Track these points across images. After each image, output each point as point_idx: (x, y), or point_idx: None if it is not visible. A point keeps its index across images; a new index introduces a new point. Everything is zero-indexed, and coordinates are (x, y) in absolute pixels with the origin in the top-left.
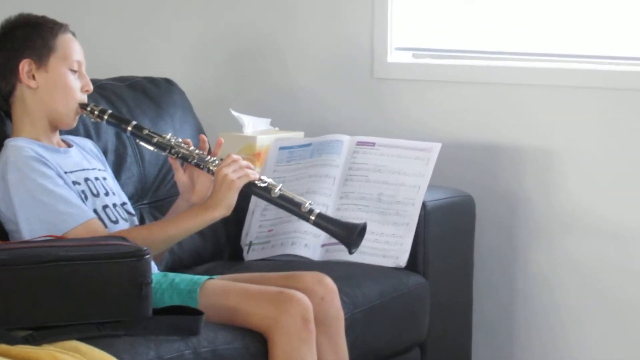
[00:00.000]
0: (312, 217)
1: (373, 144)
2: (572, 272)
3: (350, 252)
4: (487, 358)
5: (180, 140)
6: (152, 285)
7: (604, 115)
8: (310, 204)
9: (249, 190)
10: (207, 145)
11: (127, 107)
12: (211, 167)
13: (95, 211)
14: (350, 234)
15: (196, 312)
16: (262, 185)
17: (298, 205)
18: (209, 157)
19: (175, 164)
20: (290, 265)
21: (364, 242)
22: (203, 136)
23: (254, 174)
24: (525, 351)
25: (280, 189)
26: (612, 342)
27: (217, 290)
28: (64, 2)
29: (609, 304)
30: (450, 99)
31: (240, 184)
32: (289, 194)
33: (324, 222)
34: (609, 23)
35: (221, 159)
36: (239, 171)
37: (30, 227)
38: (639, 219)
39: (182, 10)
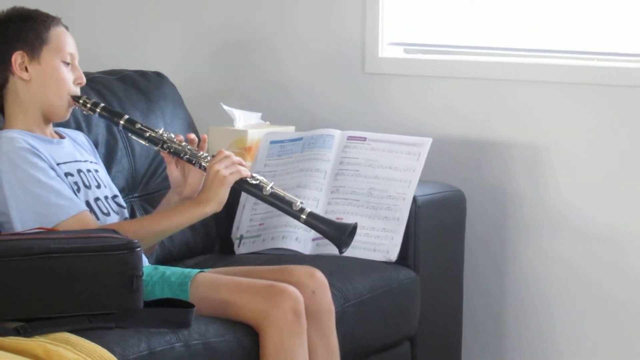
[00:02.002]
0: (303, 216)
1: (364, 139)
2: (560, 268)
3: (341, 252)
4: (477, 352)
5: (172, 134)
6: (143, 277)
7: (594, 112)
8: (301, 202)
9: (241, 187)
10: (196, 142)
11: (118, 100)
12: (203, 163)
13: (87, 203)
14: (340, 234)
15: (187, 305)
16: (254, 182)
17: (289, 203)
18: (201, 152)
19: (168, 158)
20: (281, 259)
21: (355, 237)
22: (191, 136)
23: (245, 171)
24: (515, 345)
25: (271, 187)
26: (597, 337)
27: (208, 284)
28: None
29: (595, 300)
30: (442, 94)
31: (232, 181)
32: (281, 192)
33: (314, 221)
34: (598, 19)
35: (212, 155)
36: (231, 167)
37: (22, 219)
38: (627, 217)
39: (173, 4)
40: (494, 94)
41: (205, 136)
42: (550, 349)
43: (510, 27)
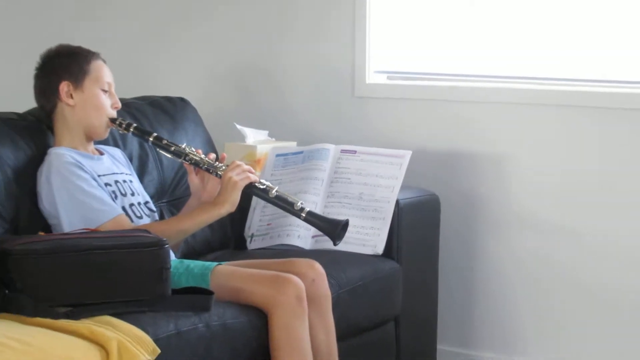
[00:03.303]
0: (303, 215)
1: (355, 152)
2: (520, 259)
3: (335, 244)
4: (450, 330)
5: (193, 149)
6: (171, 269)
7: (547, 128)
8: (301, 203)
9: (250, 190)
10: (214, 156)
11: (149, 121)
12: (219, 172)
13: (123, 208)
14: (334, 229)
15: (208, 292)
16: (261, 187)
17: (291, 204)
18: (217, 163)
19: (190, 169)
20: (286, 253)
21: (347, 234)
22: (211, 155)
23: (254, 177)
24: (482, 323)
25: (276, 191)
26: (553, 319)
27: (225, 274)
28: (98, 33)
29: (550, 288)
30: (419, 114)
31: (242, 185)
32: (284, 194)
33: (312, 219)
34: (547, 48)
35: (227, 165)
36: (242, 174)
37: (70, 221)
38: (575, 216)
39: (195, 41)
40: (464, 113)
41: (225, 154)
42: (512, 327)
43: (474, 57)
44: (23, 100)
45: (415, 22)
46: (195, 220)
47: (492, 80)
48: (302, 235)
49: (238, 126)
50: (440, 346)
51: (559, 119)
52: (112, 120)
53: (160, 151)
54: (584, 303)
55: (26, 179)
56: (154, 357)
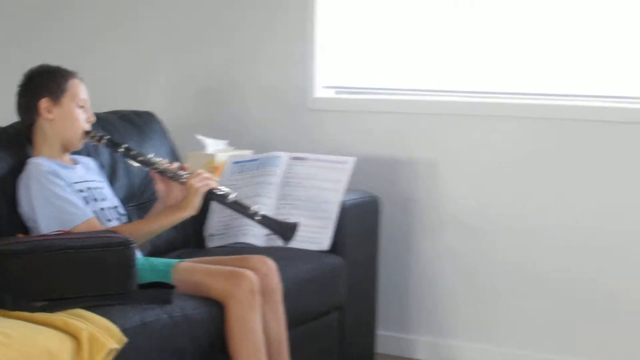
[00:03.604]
0: (257, 217)
1: (304, 159)
2: (449, 253)
3: (286, 243)
4: (389, 317)
5: (159, 158)
6: (137, 267)
7: (475, 136)
8: (256, 207)
9: (210, 196)
10: (178, 165)
11: (119, 133)
12: (182, 180)
13: (94, 212)
14: (285, 231)
15: (170, 287)
16: (220, 192)
17: (247, 208)
18: (180, 171)
19: (156, 177)
20: (241, 251)
21: (297, 233)
22: (175, 163)
23: (214, 184)
24: (418, 311)
25: (233, 196)
26: (478, 305)
27: (186, 270)
28: (74, 53)
29: (475, 279)
30: (362, 124)
31: (203, 191)
32: (240, 199)
33: (265, 221)
34: (476, 63)
35: (190, 173)
36: (203, 181)
37: (46, 224)
38: (501, 216)
39: (161, 61)
40: (402, 124)
41: (187, 165)
42: (445, 313)
43: (412, 73)
44: (5, 115)
45: (359, 43)
46: (161, 222)
47: (427, 94)
48: (256, 234)
49: (199, 137)
50: (380, 332)
51: (487, 128)
52: (87, 133)
53: (129, 161)
54: (508, 288)
55: (7, 186)
56: (121, 346)
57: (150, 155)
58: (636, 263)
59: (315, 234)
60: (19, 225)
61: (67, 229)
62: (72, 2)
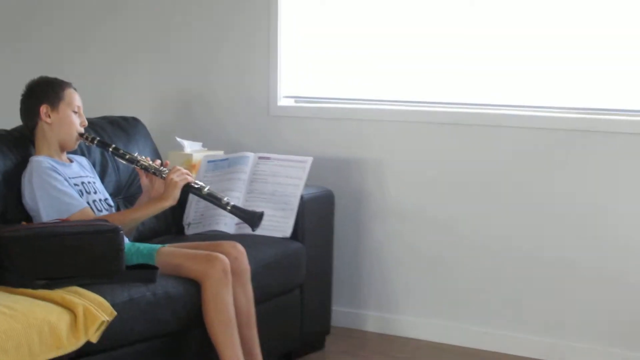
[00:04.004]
0: (228, 207)
1: (269, 158)
2: (395, 238)
3: (253, 230)
4: (342, 294)
5: (143, 157)
6: (125, 250)
7: (416, 140)
8: (227, 199)
9: (187, 189)
10: (159, 162)
11: (108, 136)
12: (163, 175)
13: (88, 203)
14: (252, 219)
15: (154, 268)
16: (196, 186)
17: (219, 199)
18: (162, 167)
19: (141, 172)
20: (215, 237)
21: (263, 222)
22: (157, 161)
23: (190, 178)
24: (367, 289)
25: (208, 189)
26: (416, 283)
27: (167, 254)
28: (70, 64)
29: (420, 260)
30: (319, 129)
31: (181, 185)
32: (214, 192)
33: (235, 211)
34: (417, 75)
35: (170, 169)
36: (181, 176)
37: (46, 213)
38: (435, 207)
39: (146, 73)
40: (352, 128)
41: (168, 162)
42: (389, 290)
43: (361, 85)
44: (10, 120)
45: (315, 59)
46: (145, 212)
47: (372, 104)
48: (228, 222)
49: (178, 139)
50: (334, 307)
51: (426, 133)
52: (81, 135)
53: (118, 159)
54: (447, 267)
55: (12, 180)
56: (112, 318)
57: (136, 154)
58: (575, 240)
59: (279, 223)
60: (23, 214)
61: (64, 217)
62: (61, 16)
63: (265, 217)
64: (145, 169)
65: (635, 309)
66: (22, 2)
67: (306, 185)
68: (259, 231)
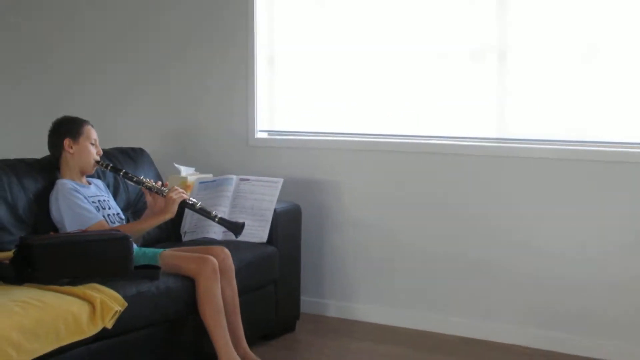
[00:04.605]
0: (216, 219)
1: (248, 179)
2: (351, 242)
3: (236, 237)
4: (308, 288)
5: (148, 179)
6: (134, 254)
7: (367, 164)
8: (215, 212)
9: (183, 204)
10: (161, 183)
11: (119, 163)
12: (164, 194)
13: (103, 217)
14: (236, 228)
15: (157, 268)
16: (190, 202)
17: (209, 213)
18: (163, 187)
19: (146, 192)
20: (206, 243)
21: (244, 230)
22: (159, 182)
23: (186, 196)
24: (330, 282)
25: (200, 205)
26: (371, 278)
27: (168, 256)
28: (86, 103)
29: (371, 261)
30: (288, 156)
31: (179, 201)
32: (204, 207)
33: (222, 222)
34: (368, 111)
35: (169, 189)
36: (178, 194)
37: (70, 225)
38: (384, 218)
39: (149, 113)
40: (316, 156)
41: (167, 183)
42: (348, 283)
43: (322, 120)
44: (40, 151)
45: (284, 101)
46: (149, 223)
47: (332, 136)
48: (216, 231)
49: (176, 165)
50: (303, 297)
51: (374, 159)
52: (97, 162)
53: (127, 181)
54: (394, 264)
55: (42, 199)
56: (123, 308)
57: (142, 177)
58: (488, 238)
59: (257, 231)
60: (51, 226)
61: (84, 228)
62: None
63: (246, 227)
64: (149, 189)
65: (545, 297)
66: (42, 42)
67: (278, 201)
68: (241, 238)
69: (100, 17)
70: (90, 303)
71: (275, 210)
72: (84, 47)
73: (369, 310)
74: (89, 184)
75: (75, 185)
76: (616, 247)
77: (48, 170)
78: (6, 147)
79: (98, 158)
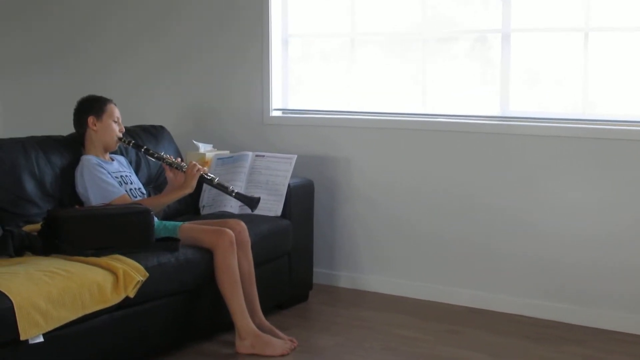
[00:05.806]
0: (233, 194)
1: (264, 156)
2: (359, 215)
3: (252, 211)
4: (320, 259)
5: (168, 155)
6: (155, 226)
7: (375, 142)
8: (232, 187)
9: (202, 179)
10: (180, 159)
11: (141, 139)
12: (184, 169)
13: (126, 191)
14: (252, 202)
15: (177, 240)
16: (208, 178)
17: (226, 188)
18: (183, 163)
19: (166, 167)
20: (223, 216)
21: (259, 204)
22: (178, 159)
23: (204, 171)
24: (340, 254)
25: (217, 180)
26: (376, 252)
27: (187, 229)
28: (111, 82)
29: (376, 234)
30: (302, 134)
31: (197, 176)
32: (222, 182)
33: (239, 196)
34: (378, 91)
35: (188, 165)
36: (197, 170)
37: (94, 198)
38: (388, 192)
39: (169, 91)
40: (328, 133)
41: (189, 160)
42: (356, 256)
43: (334, 99)
44: (66, 128)
45: (298, 80)
46: (169, 197)
47: (343, 114)
48: (233, 205)
49: (194, 142)
50: (315, 269)
51: (384, 137)
52: (119, 139)
53: (148, 157)
54: (397, 237)
55: (67, 174)
56: (145, 278)
57: (162, 153)
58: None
59: (272, 205)
60: (76, 199)
61: (107, 201)
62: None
63: (261, 201)
64: (170, 164)
65: (550, 272)
66: (74, 29)
67: (292, 176)
68: (257, 211)
69: (126, 6)
70: (114, 273)
71: (289, 186)
72: (111, 36)
73: (379, 281)
74: (112, 160)
75: (99, 161)
76: (620, 224)
77: (73, 146)
78: (47, 127)
79: (120, 135)
